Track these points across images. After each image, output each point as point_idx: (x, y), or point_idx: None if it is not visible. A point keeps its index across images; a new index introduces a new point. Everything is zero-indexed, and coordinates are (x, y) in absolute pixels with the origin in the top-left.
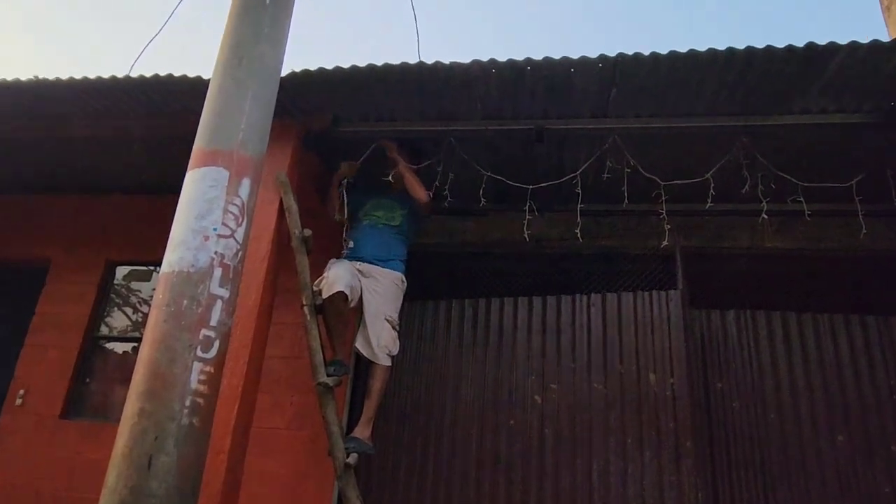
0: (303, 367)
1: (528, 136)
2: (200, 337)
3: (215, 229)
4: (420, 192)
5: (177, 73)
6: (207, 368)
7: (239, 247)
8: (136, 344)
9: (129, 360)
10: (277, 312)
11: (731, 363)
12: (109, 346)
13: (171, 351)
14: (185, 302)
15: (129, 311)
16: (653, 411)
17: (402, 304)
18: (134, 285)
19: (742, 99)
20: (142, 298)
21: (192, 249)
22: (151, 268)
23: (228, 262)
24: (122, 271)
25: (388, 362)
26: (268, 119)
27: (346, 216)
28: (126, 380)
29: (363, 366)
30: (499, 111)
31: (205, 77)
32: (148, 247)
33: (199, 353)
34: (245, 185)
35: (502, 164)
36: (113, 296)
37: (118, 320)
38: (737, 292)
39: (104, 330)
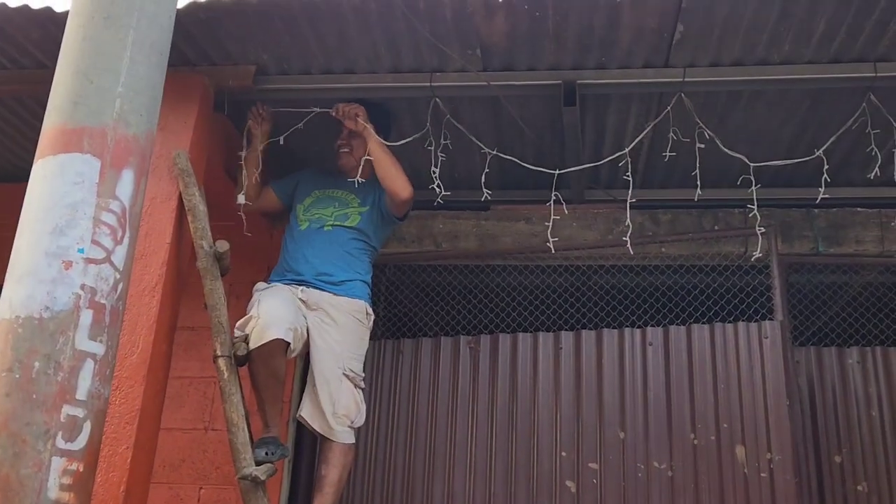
0: (216, 443)
1: (552, 96)
2: (62, 418)
3: (81, 251)
4: (400, 184)
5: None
6: (73, 466)
7: (118, 276)
8: None
9: None
10: (177, 361)
11: (854, 427)
12: None
13: (17, 441)
14: (38, 364)
15: None
16: (742, 501)
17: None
18: None
19: (870, 38)
20: None
21: (45, 282)
22: None
23: (103, 301)
24: None
25: (349, 439)
26: (159, 76)
27: (265, 200)
28: None
29: (307, 444)
30: (508, 61)
31: (58, 10)
32: None
33: (59, 442)
34: (126, 181)
35: (514, 137)
36: None
37: None
38: (862, 322)
39: None
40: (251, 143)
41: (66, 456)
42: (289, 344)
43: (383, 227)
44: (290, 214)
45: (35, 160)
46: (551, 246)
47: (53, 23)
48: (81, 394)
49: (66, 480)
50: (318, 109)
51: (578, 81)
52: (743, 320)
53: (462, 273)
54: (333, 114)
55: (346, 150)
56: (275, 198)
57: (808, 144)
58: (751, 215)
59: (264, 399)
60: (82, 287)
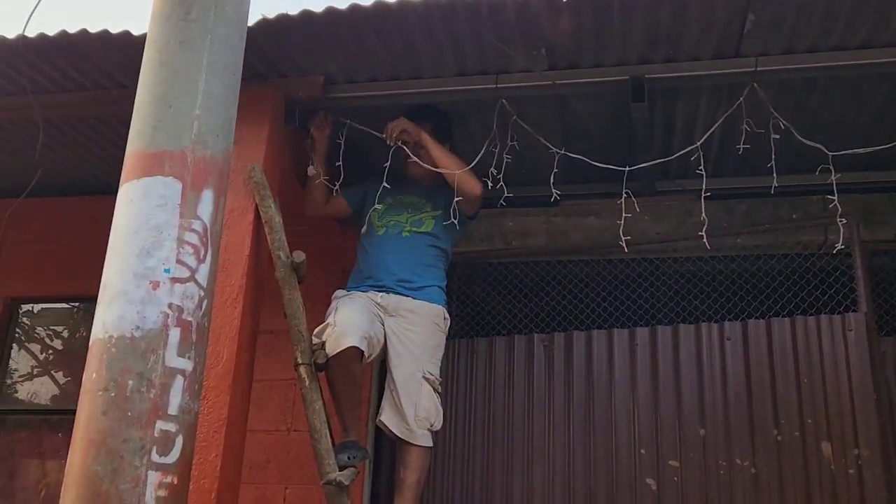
0: (299, 444)
1: (620, 91)
2: (156, 433)
3: (167, 271)
4: (469, 184)
5: (93, 29)
6: (168, 479)
7: (203, 294)
8: (54, 415)
9: (44, 443)
10: (259, 364)
11: None
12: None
13: (115, 458)
14: (131, 382)
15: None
16: (829, 498)
17: None
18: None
19: None
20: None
21: (135, 303)
22: (74, 305)
23: (189, 318)
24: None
25: (428, 442)
26: (233, 96)
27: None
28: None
29: (387, 447)
30: (574, 59)
31: (136, 33)
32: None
33: (154, 456)
34: (206, 200)
35: (582, 133)
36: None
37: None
38: None
39: None
40: (315, 150)
41: (161, 470)
42: (363, 353)
43: (457, 230)
44: (366, 221)
45: (120, 184)
46: (624, 245)
47: (132, 45)
48: (173, 409)
49: (162, 493)
50: (377, 133)
51: (647, 76)
52: (826, 313)
53: (531, 270)
54: (387, 141)
55: (411, 159)
56: (344, 204)
57: (889, 128)
58: (830, 206)
59: (342, 404)
60: (170, 306)
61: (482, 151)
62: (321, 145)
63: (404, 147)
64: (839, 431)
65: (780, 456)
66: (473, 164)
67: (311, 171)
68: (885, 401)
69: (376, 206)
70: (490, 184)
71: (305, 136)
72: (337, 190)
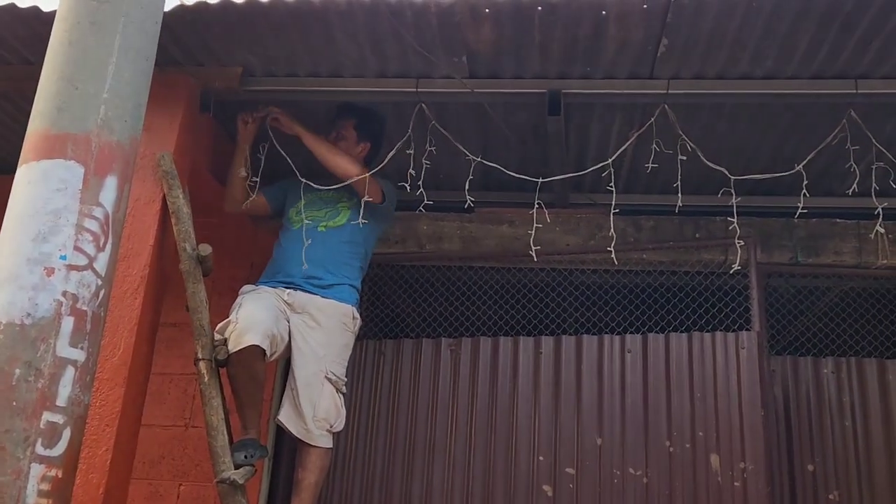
0: (196, 440)
1: (537, 104)
2: (42, 424)
3: (64, 257)
4: (342, 167)
5: None
6: (52, 472)
7: (100, 283)
8: None
9: None
10: (159, 357)
11: (828, 437)
12: None
13: None
14: (18, 371)
15: None
16: None
17: None
18: None
19: (852, 56)
20: None
21: (27, 289)
22: None
23: (84, 308)
24: None
25: (327, 443)
26: (145, 81)
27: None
28: None
29: (288, 446)
30: (494, 69)
31: (45, 10)
32: None
33: (39, 448)
34: (110, 187)
35: (499, 143)
36: None
37: None
38: (838, 332)
39: None
40: (238, 145)
41: (45, 462)
42: (265, 351)
43: (374, 225)
44: (283, 218)
45: (19, 165)
46: (533, 254)
47: (40, 21)
48: (62, 400)
49: (45, 486)
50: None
51: (563, 90)
52: (721, 330)
53: (442, 274)
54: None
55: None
56: (264, 202)
57: (789, 157)
58: (730, 227)
59: (243, 401)
60: (64, 294)
61: (392, 152)
62: (243, 141)
63: (330, 133)
64: (728, 444)
65: (671, 466)
66: (384, 164)
67: (229, 207)
68: (772, 417)
69: (298, 201)
70: (408, 188)
71: (224, 128)
72: (257, 188)
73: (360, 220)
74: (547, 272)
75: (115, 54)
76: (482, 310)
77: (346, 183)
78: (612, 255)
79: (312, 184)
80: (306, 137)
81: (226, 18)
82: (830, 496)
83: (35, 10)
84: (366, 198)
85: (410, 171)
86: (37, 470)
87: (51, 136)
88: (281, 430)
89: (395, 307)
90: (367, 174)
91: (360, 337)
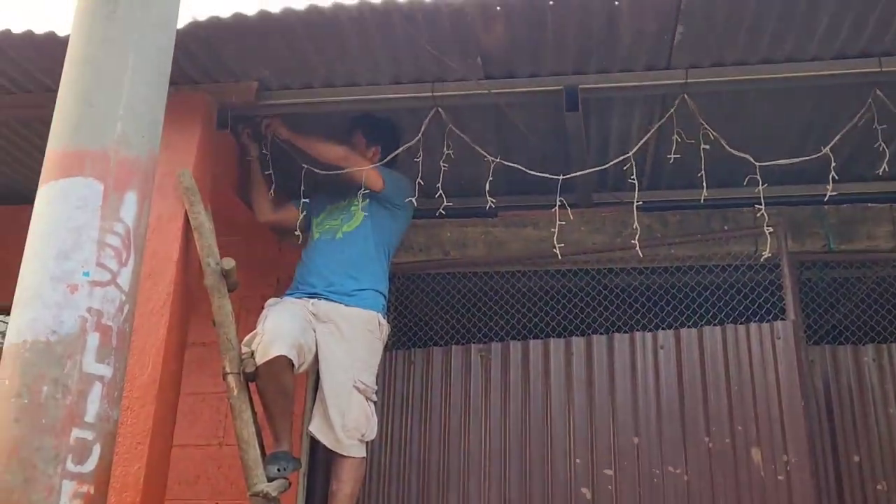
0: (231, 458)
1: (554, 101)
2: (71, 441)
3: (87, 274)
4: (332, 155)
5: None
6: (84, 488)
7: (124, 298)
8: None
9: None
10: (190, 377)
11: (872, 426)
12: None
13: (27, 467)
14: (46, 388)
15: None
16: None
17: None
18: None
19: (874, 33)
20: None
21: (51, 307)
22: None
23: (109, 323)
24: None
25: (360, 452)
26: (160, 96)
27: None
28: None
29: (322, 458)
30: (509, 69)
31: (60, 34)
32: None
33: (70, 465)
34: (130, 202)
35: (518, 143)
36: None
37: None
38: (877, 318)
39: None
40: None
41: (77, 479)
42: (292, 362)
43: (391, 221)
44: (308, 234)
45: (39, 185)
46: (558, 252)
47: (58, 46)
48: (90, 416)
49: (78, 502)
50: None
51: (580, 86)
52: (755, 321)
53: (469, 281)
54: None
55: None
56: (296, 212)
57: (816, 142)
58: (759, 215)
59: (274, 414)
60: (88, 310)
61: (403, 148)
62: (251, 152)
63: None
64: (769, 438)
65: (711, 463)
66: (389, 158)
67: (262, 217)
68: (813, 407)
69: (319, 214)
70: (437, 195)
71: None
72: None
73: (361, 209)
74: (575, 272)
75: (129, 70)
76: (511, 314)
77: (347, 170)
78: (637, 249)
79: (315, 168)
80: (297, 139)
81: (239, 32)
82: (879, 486)
83: (52, 36)
84: (364, 187)
85: (420, 179)
86: (68, 487)
87: (68, 154)
88: (315, 443)
89: (423, 316)
90: (369, 167)
91: (389, 347)
